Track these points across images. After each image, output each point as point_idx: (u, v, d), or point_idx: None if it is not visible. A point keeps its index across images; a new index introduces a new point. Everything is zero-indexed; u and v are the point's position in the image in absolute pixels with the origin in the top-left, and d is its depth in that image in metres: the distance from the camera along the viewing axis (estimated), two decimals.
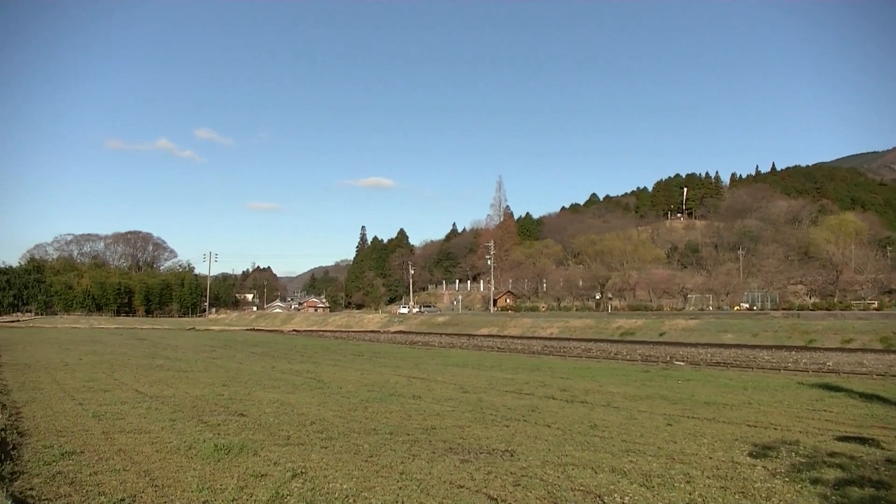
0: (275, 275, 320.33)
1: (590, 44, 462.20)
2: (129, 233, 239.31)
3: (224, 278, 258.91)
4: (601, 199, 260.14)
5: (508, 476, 12.19)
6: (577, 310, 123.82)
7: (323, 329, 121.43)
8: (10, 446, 14.11)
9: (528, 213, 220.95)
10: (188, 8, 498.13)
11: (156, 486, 11.36)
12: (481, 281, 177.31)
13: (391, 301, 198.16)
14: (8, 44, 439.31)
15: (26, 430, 16.15)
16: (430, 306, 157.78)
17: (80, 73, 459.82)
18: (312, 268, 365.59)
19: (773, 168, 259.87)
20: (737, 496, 11.14)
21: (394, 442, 15.23)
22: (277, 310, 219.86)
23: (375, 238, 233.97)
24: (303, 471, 12.32)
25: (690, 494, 11.15)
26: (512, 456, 13.94)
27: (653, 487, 11.54)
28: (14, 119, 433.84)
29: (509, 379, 31.68)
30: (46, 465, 12.64)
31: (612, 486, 11.52)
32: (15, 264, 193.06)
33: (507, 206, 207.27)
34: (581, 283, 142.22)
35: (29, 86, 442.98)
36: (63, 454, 13.49)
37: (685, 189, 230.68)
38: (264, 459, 13.22)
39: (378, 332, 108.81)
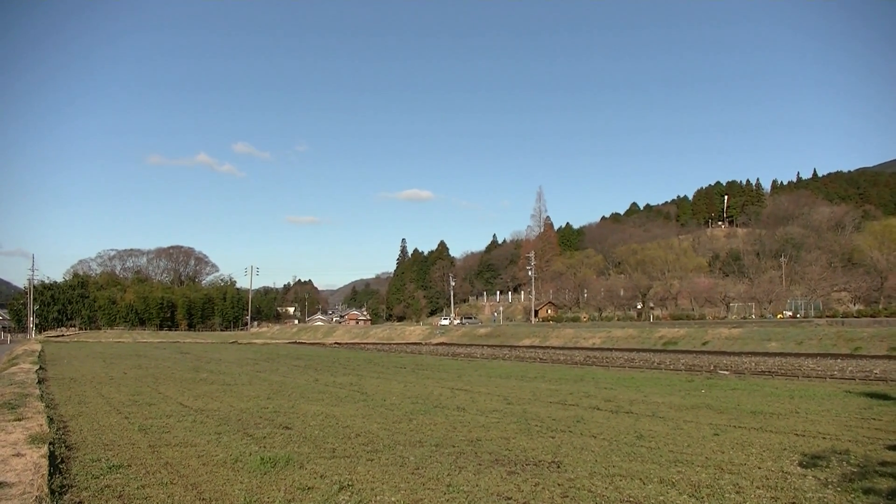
0: (316, 288, 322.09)
1: (629, 53, 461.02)
2: (172, 247, 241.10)
3: (266, 292, 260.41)
4: (641, 209, 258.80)
5: (556, 488, 12.10)
6: (618, 320, 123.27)
7: (365, 342, 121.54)
8: (59, 460, 14.19)
9: (568, 224, 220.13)
10: (223, 24, 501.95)
11: (203, 499, 11.38)
12: (522, 292, 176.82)
13: (432, 313, 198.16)
14: (48, 62, 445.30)
15: (74, 444, 16.25)
16: (471, 318, 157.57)
17: (121, 90, 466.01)
18: (353, 280, 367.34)
19: (815, 174, 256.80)
20: None
21: (440, 454, 15.17)
22: (319, 323, 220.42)
23: (416, 250, 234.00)
24: (350, 483, 12.29)
25: None
26: (559, 467, 13.85)
27: (702, 498, 11.40)
28: (56, 137, 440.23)
29: (553, 390, 31.49)
30: (94, 479, 12.69)
31: (660, 498, 11.39)
32: (60, 280, 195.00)
33: (548, 217, 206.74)
34: (622, 292, 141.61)
35: (70, 103, 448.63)
36: (110, 468, 13.55)
37: (726, 197, 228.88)
38: (311, 472, 13.21)
39: (420, 344, 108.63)
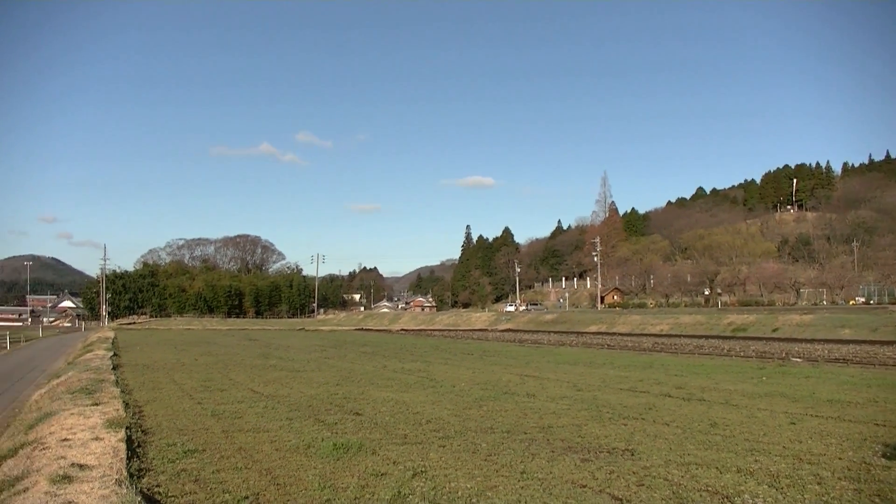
0: (381, 275, 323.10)
1: (692, 35, 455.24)
2: (239, 236, 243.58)
3: (331, 279, 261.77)
4: (708, 193, 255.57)
5: (631, 476, 11.99)
6: (685, 306, 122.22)
7: (431, 328, 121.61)
8: (136, 444, 14.37)
9: (633, 209, 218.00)
10: (283, 16, 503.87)
11: (277, 484, 11.43)
12: (588, 278, 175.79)
13: (497, 299, 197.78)
14: (114, 60, 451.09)
15: (149, 429, 16.43)
16: (536, 304, 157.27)
17: (185, 84, 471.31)
18: (418, 267, 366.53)
19: (888, 156, 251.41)
20: (874, 499, 10.69)
21: (511, 441, 15.11)
22: (385, 310, 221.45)
23: (480, 237, 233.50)
24: (423, 470, 12.27)
25: (823, 497, 10.76)
26: (633, 455, 13.72)
27: (782, 489, 11.19)
28: (124, 130, 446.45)
29: (622, 377, 31.26)
30: (171, 463, 12.83)
31: (739, 487, 11.21)
32: (130, 269, 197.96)
33: (613, 202, 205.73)
34: (689, 278, 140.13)
35: (136, 98, 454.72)
36: (186, 452, 13.68)
37: (794, 180, 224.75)
38: (383, 458, 13.22)
39: (486, 330, 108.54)
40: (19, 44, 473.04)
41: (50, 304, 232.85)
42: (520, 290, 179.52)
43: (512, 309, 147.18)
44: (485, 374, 31.91)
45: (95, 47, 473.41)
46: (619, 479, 11.77)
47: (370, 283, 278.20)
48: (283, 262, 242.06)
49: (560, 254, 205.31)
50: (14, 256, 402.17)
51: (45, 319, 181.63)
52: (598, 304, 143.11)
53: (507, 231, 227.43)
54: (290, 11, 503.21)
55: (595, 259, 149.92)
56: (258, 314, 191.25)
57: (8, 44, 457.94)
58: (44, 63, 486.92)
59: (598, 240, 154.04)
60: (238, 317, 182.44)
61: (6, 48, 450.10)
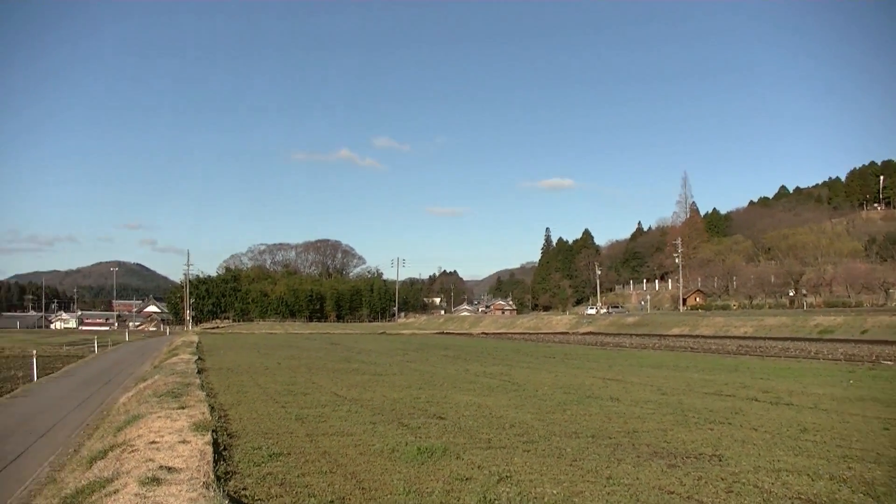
0: (461, 278, 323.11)
1: (773, 33, 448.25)
2: (319, 241, 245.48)
3: (412, 283, 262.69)
4: (791, 192, 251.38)
5: (720, 482, 11.79)
6: (769, 307, 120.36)
7: (511, 331, 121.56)
8: (222, 447, 14.49)
9: (714, 209, 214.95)
10: (356, 20, 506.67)
11: (363, 488, 11.44)
12: (669, 280, 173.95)
13: (578, 302, 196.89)
14: (196, 66, 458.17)
15: (235, 432, 16.56)
16: (617, 307, 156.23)
17: (264, 90, 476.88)
18: (498, 270, 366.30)
19: None
20: None
21: (596, 445, 14.97)
22: (465, 313, 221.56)
23: (560, 239, 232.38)
24: (508, 475, 12.20)
25: None
26: (720, 461, 13.51)
27: (878, 497, 10.91)
28: (206, 138, 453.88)
29: (707, 380, 30.90)
30: (256, 466, 12.90)
31: (833, 496, 10.94)
32: (213, 274, 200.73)
33: (693, 203, 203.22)
34: (773, 279, 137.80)
35: (216, 105, 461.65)
36: (271, 455, 13.75)
37: (881, 177, 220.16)
38: (468, 463, 13.16)
39: (567, 333, 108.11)
40: (113, 59, 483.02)
41: (135, 309, 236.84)
42: (600, 293, 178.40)
43: (593, 312, 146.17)
44: (567, 378, 31.75)
45: (175, 59, 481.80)
46: (707, 485, 11.59)
47: (450, 287, 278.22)
48: (364, 266, 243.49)
49: (641, 256, 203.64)
50: (101, 262, 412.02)
51: (130, 324, 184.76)
52: (681, 307, 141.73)
53: (586, 233, 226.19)
54: (365, 18, 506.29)
55: (676, 260, 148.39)
56: (339, 318, 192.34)
57: (102, 61, 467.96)
58: (131, 74, 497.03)
59: (679, 241, 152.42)
60: (319, 321, 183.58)
61: (103, 68, 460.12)
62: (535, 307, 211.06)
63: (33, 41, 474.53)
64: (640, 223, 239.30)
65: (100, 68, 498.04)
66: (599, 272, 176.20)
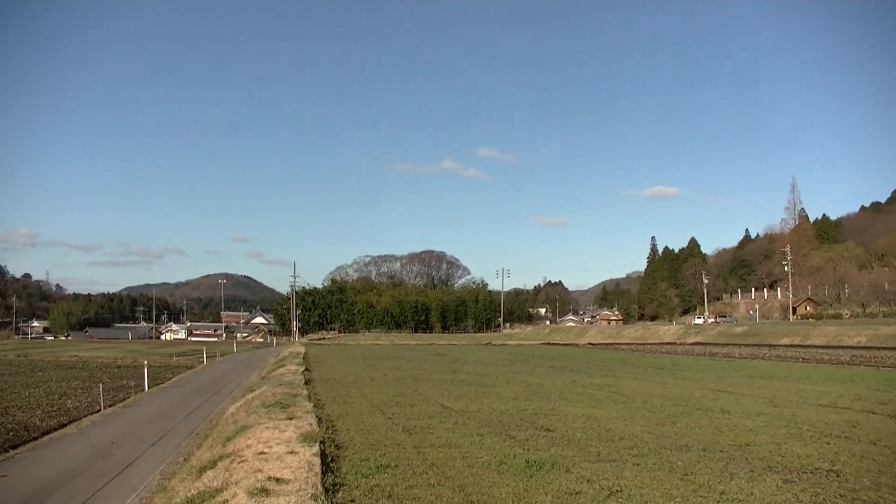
0: (566, 288, 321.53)
1: (882, 31, 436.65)
2: (424, 252, 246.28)
3: (516, 293, 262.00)
4: None
5: (838, 499, 11.42)
6: (884, 316, 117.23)
7: (618, 342, 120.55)
8: (329, 458, 14.51)
9: (824, 215, 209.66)
10: (459, 34, 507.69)
11: (471, 501, 11.34)
12: (778, 288, 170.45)
13: (685, 312, 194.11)
14: (302, 83, 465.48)
15: (342, 443, 16.59)
16: (725, 316, 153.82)
17: (368, 103, 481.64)
18: (603, 280, 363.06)
19: None
20: None
21: (708, 459, 14.65)
22: (570, 323, 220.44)
23: (666, 248, 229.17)
24: (618, 489, 11.98)
25: None
26: (838, 476, 13.09)
27: None
28: (311, 153, 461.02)
29: (821, 391, 30.15)
30: (364, 478, 12.87)
31: None
32: (319, 286, 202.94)
33: (802, 209, 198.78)
34: (888, 286, 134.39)
35: (321, 119, 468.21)
36: (378, 467, 13.73)
37: None
38: (577, 476, 12.97)
39: (674, 343, 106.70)
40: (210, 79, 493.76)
41: (243, 321, 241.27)
42: (707, 302, 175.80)
43: (700, 321, 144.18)
44: (676, 389, 31.29)
45: (280, 74, 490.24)
46: (825, 502, 11.24)
47: (555, 297, 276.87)
48: (468, 276, 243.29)
49: (748, 264, 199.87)
50: (209, 275, 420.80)
51: (238, 335, 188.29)
52: (790, 316, 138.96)
53: (693, 241, 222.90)
54: (469, 32, 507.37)
55: (785, 269, 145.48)
56: (444, 329, 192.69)
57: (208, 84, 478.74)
58: (239, 93, 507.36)
59: (787, 248, 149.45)
60: (425, 332, 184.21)
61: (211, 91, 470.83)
62: (641, 317, 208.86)
63: (153, 68, 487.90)
64: (747, 230, 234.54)
65: (209, 88, 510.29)
66: (706, 281, 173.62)
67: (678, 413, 22.33)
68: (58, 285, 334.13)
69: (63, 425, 26.60)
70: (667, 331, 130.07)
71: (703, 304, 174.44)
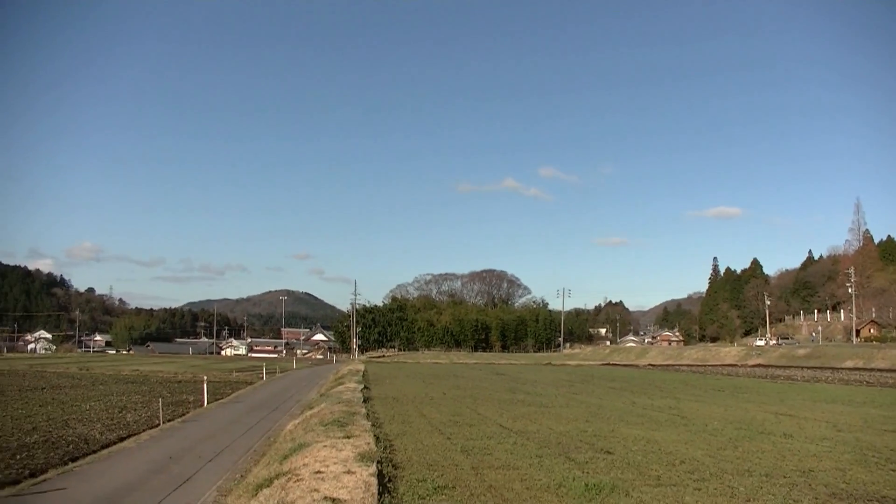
0: (626, 309, 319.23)
1: None
2: (485, 271, 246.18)
3: (577, 313, 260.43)
4: None
5: None
6: None
7: (678, 363, 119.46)
8: (387, 478, 14.43)
9: (889, 236, 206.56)
10: (524, 56, 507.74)
11: None
12: (841, 310, 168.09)
13: (746, 333, 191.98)
14: (364, 100, 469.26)
15: (400, 463, 16.53)
16: (787, 338, 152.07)
17: (432, 122, 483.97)
18: (664, 301, 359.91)
19: None
20: None
21: (770, 485, 14.41)
22: (631, 344, 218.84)
23: (728, 269, 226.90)
24: None
25: None
26: None
27: None
28: (371, 170, 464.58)
29: (887, 416, 29.62)
30: (421, 500, 12.80)
31: None
32: (379, 304, 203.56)
33: (867, 230, 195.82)
34: None
35: (383, 138, 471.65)
36: (436, 488, 13.64)
37: None
38: (637, 501, 12.81)
39: (735, 365, 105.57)
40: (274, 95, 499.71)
41: (303, 337, 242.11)
42: (769, 324, 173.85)
43: (762, 343, 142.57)
44: (738, 412, 30.85)
45: (341, 95, 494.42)
46: None
47: (616, 317, 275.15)
48: (529, 296, 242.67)
49: (811, 285, 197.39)
50: (270, 291, 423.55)
51: (298, 351, 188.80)
52: (854, 338, 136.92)
53: (755, 262, 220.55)
54: (528, 52, 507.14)
55: (849, 290, 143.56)
56: (504, 348, 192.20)
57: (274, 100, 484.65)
58: (300, 114, 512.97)
59: (851, 270, 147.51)
60: (484, 351, 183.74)
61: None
62: (702, 338, 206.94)
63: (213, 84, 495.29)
64: (810, 252, 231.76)
65: (272, 113, 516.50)
66: (769, 302, 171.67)
67: (740, 437, 22.00)
68: (121, 300, 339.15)
69: (122, 439, 26.75)
70: (728, 352, 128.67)
71: (764, 326, 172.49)
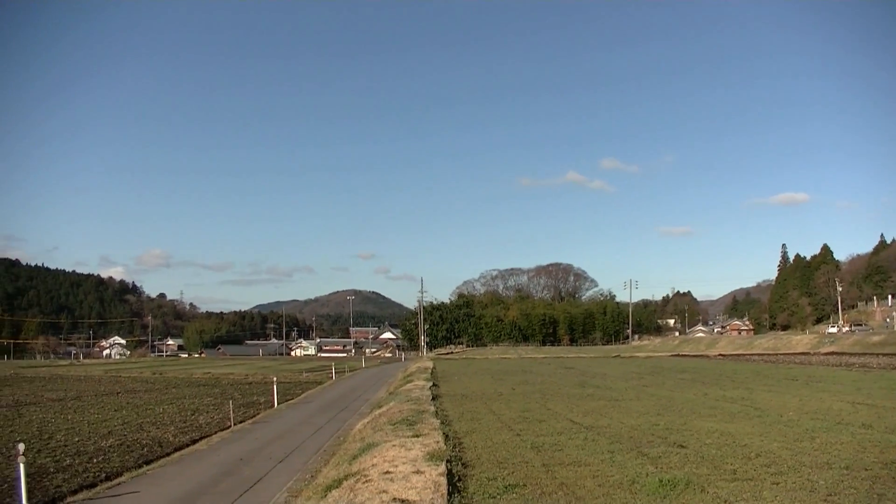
0: (695, 299, 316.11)
1: None
2: (551, 265, 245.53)
3: (644, 305, 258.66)
4: None
5: None
6: None
7: (749, 352, 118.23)
8: (457, 478, 14.26)
9: None
10: (581, 49, 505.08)
11: None
12: None
13: (818, 321, 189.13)
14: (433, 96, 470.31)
15: (469, 461, 16.36)
16: (861, 325, 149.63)
17: (493, 118, 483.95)
18: (732, 290, 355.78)
19: None
20: None
21: (852, 478, 14.00)
22: (700, 334, 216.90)
23: (797, 255, 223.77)
24: None
25: None
26: None
27: None
28: (433, 168, 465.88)
29: None
30: (491, 499, 12.62)
31: None
32: (446, 300, 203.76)
33: None
34: None
35: (445, 135, 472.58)
36: (506, 487, 13.45)
37: None
38: (713, 497, 12.49)
39: (808, 353, 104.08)
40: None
41: (371, 336, 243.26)
42: (842, 311, 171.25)
43: (834, 330, 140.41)
44: (813, 402, 30.24)
45: (404, 95, 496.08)
46: None
47: (684, 308, 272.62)
48: (596, 288, 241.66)
49: (884, 270, 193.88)
50: (337, 291, 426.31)
51: (367, 350, 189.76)
52: None
53: (825, 248, 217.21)
54: (586, 45, 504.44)
55: None
56: (572, 342, 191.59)
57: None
58: (359, 120, 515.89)
59: None
60: (552, 345, 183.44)
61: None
62: (772, 326, 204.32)
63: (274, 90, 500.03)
64: (882, 236, 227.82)
65: (338, 120, 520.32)
66: (840, 289, 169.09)
67: (816, 428, 21.50)
68: (191, 304, 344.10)
69: (194, 441, 26.92)
70: (799, 340, 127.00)
71: (836, 313, 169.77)
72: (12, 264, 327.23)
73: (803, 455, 16.68)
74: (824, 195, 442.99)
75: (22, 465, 15.56)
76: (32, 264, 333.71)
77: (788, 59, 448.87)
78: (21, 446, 15.70)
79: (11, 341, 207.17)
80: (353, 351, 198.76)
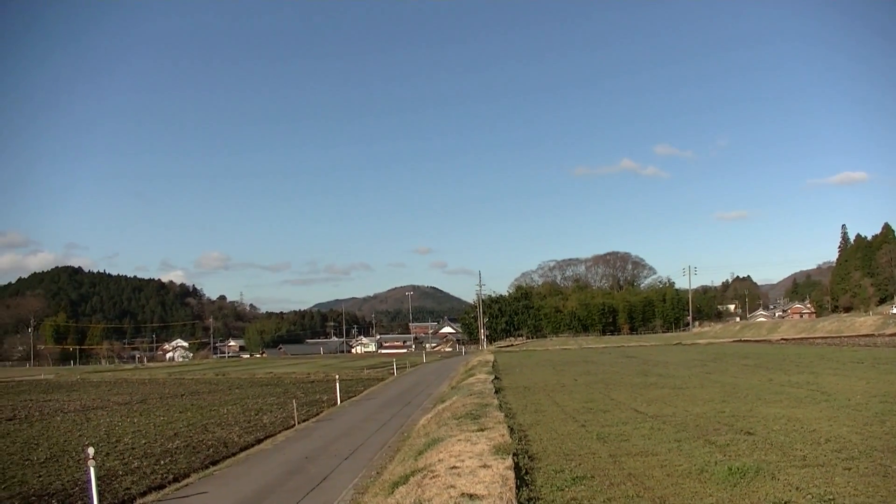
0: (754, 283, 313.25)
1: None
2: (608, 254, 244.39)
3: (704, 291, 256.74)
4: None
5: None
6: None
7: (812, 336, 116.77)
8: (524, 471, 14.23)
9: None
10: (628, 37, 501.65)
11: None
12: None
13: (881, 301, 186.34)
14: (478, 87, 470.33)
15: (535, 454, 16.32)
16: None
17: (547, 110, 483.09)
18: (793, 273, 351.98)
19: None
20: None
21: None
22: (761, 319, 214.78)
23: (858, 236, 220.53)
24: (831, 497, 11.34)
25: None
26: None
27: None
28: (486, 161, 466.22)
29: None
30: (559, 491, 12.55)
31: None
32: (504, 293, 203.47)
33: None
34: None
35: (499, 128, 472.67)
36: (574, 479, 13.39)
37: None
38: (784, 484, 12.33)
39: (872, 335, 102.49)
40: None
41: (431, 331, 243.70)
42: None
43: None
44: (881, 385, 29.82)
45: (459, 89, 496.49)
46: None
47: (744, 293, 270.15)
48: (654, 276, 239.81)
49: None
50: (395, 287, 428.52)
51: (427, 345, 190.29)
52: None
53: (886, 227, 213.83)
54: (634, 32, 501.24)
55: None
56: (632, 330, 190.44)
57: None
58: (411, 112, 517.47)
59: None
60: (612, 334, 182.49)
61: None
62: (834, 309, 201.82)
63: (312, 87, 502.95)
64: None
65: (395, 116, 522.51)
66: None
67: (886, 411, 21.18)
68: (251, 305, 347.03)
69: (259, 441, 27.18)
70: (863, 322, 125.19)
71: None
72: (75, 272, 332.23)
73: (874, 439, 16.44)
74: (883, 173, 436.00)
75: (92, 469, 15.79)
76: (95, 271, 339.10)
77: (843, 35, 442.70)
78: (91, 450, 15.92)
79: (77, 347, 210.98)
80: (414, 346, 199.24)
